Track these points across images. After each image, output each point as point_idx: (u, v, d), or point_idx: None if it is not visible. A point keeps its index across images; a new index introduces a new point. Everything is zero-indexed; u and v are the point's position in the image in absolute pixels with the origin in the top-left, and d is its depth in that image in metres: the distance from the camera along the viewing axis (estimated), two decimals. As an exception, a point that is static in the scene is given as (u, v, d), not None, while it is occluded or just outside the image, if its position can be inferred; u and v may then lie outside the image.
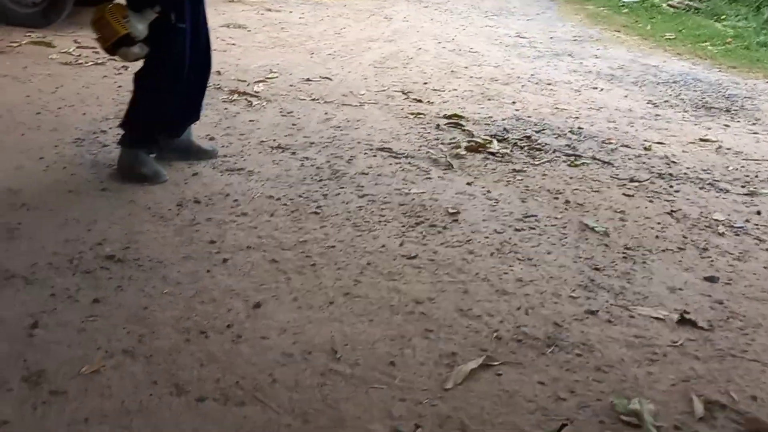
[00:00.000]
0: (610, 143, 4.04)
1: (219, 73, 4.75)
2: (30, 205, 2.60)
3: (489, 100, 4.80)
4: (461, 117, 4.25)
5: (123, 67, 4.61)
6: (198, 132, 3.52)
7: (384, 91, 4.79)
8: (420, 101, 4.58)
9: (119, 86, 4.22)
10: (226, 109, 4.00)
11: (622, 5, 11.36)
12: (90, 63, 4.69)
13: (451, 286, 2.32)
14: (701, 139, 4.30)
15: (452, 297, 2.26)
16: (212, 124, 3.72)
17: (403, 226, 2.72)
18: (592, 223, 2.91)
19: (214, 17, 6.84)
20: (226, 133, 3.60)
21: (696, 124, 4.65)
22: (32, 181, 2.81)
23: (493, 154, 3.64)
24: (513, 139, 3.93)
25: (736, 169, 3.80)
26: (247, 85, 4.57)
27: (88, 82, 4.24)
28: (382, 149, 3.56)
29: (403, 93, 4.76)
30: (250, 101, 4.20)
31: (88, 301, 2.05)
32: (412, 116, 4.21)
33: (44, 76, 4.27)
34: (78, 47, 5.06)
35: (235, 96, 4.28)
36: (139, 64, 2.93)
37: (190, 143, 3.19)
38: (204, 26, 3.05)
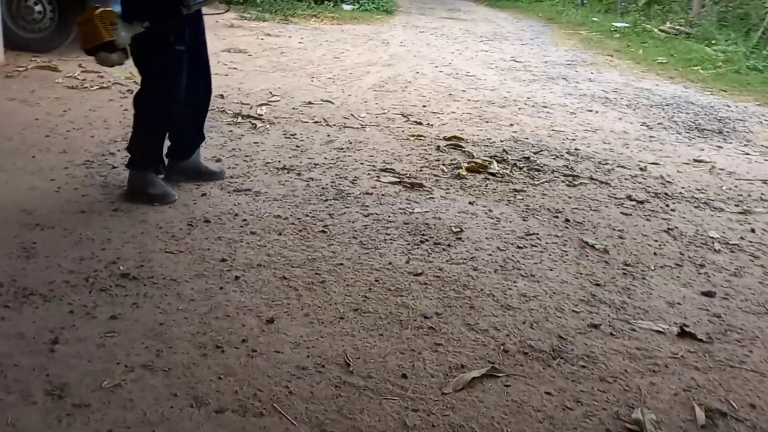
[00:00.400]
0: (607, 164, 4.14)
1: (222, 96, 4.86)
2: (44, 225, 2.66)
3: (487, 122, 4.90)
4: (461, 139, 4.35)
5: (129, 90, 4.71)
6: (204, 154, 3.60)
7: (384, 113, 4.89)
8: (420, 123, 4.68)
9: (125, 109, 4.30)
10: (231, 131, 4.09)
11: (614, 30, 11.59)
12: (95, 87, 4.78)
13: (458, 301, 2.39)
14: (695, 160, 4.41)
15: (459, 312, 2.32)
16: (218, 146, 3.80)
17: (409, 244, 2.79)
18: (592, 240, 2.99)
19: (214, 42, 6.99)
20: (232, 155, 3.68)
21: (689, 146, 4.76)
22: (45, 201, 2.88)
23: (493, 174, 3.73)
24: (512, 160, 4.02)
25: (730, 189, 3.89)
26: (251, 108, 4.66)
27: (94, 106, 4.32)
28: (384, 170, 3.64)
29: (403, 116, 4.87)
30: (254, 124, 4.29)
31: (106, 317, 2.10)
32: (412, 138, 4.31)
33: (52, 99, 4.35)
34: (83, 71, 5.16)
35: (239, 119, 4.37)
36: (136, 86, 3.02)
37: (198, 165, 3.26)
38: (204, 50, 3.13)
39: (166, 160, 3.14)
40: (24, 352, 1.91)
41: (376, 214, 3.06)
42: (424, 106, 5.23)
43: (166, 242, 2.63)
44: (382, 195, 3.30)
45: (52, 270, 2.34)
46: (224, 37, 7.35)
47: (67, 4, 5.48)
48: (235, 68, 5.94)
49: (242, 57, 6.54)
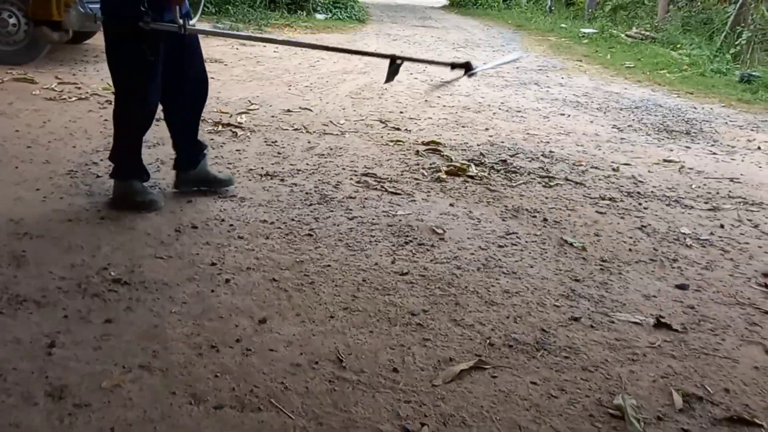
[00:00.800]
0: (581, 165, 4.26)
1: (202, 105, 4.88)
2: (33, 234, 2.68)
3: (463, 127, 5.01)
4: (439, 143, 4.45)
5: (107, 101, 4.73)
6: (187, 162, 3.64)
7: (362, 120, 4.97)
8: (398, 129, 4.77)
9: (105, 119, 4.32)
10: (212, 139, 4.13)
11: (582, 36, 11.85)
12: (74, 98, 4.79)
13: (443, 299, 2.47)
14: (665, 160, 4.56)
15: (445, 309, 2.40)
16: (200, 154, 3.83)
17: (393, 246, 2.87)
18: (570, 238, 3.09)
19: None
20: (215, 162, 3.72)
21: (659, 146, 4.92)
22: (32, 211, 2.89)
23: (471, 177, 3.83)
24: (489, 163, 4.13)
25: (699, 187, 4.04)
26: (230, 116, 4.71)
27: (74, 116, 4.33)
28: (366, 174, 3.72)
29: (381, 122, 4.95)
30: (234, 132, 4.33)
31: (101, 321, 2.14)
32: (391, 143, 4.39)
33: (31, 111, 4.35)
34: (60, 83, 5.17)
35: (220, 127, 4.42)
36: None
37: (207, 173, 3.27)
38: (194, 59, 3.11)
39: (178, 168, 3.15)
40: (22, 356, 1.93)
41: (360, 217, 3.13)
42: (401, 113, 5.33)
43: (155, 248, 2.66)
44: (365, 198, 3.37)
45: (44, 277, 2.37)
46: (199, 46, 7.36)
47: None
48: (212, 78, 5.88)
49: (218, 67, 6.57)
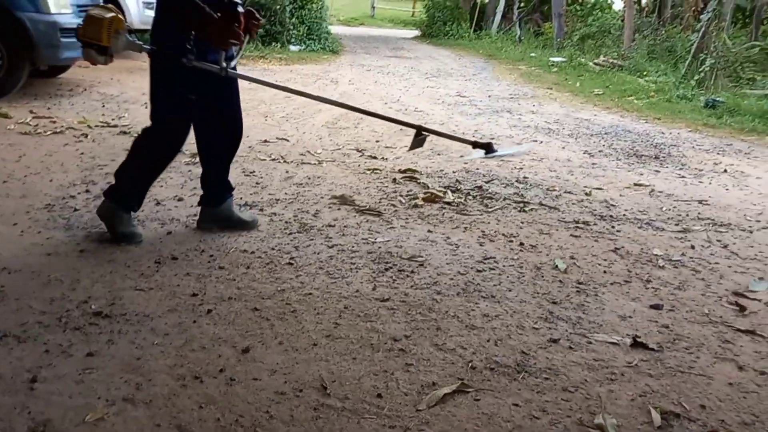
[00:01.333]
0: (554, 190, 4.35)
1: (178, 137, 4.90)
2: (11, 269, 2.66)
3: (438, 155, 5.09)
4: (415, 171, 4.52)
5: (83, 134, 4.73)
6: (165, 194, 3.67)
7: (339, 149, 5.03)
8: (375, 158, 4.83)
9: (81, 153, 4.32)
10: (189, 171, 4.14)
11: (552, 64, 12.12)
12: (49, 132, 4.77)
13: (425, 324, 2.50)
14: (635, 184, 4.68)
15: (427, 333, 2.43)
16: (178, 185, 3.85)
17: (374, 272, 2.90)
18: (560, 263, 3.15)
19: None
20: (193, 193, 3.73)
21: (629, 171, 5.05)
22: (9, 245, 2.87)
23: (448, 203, 3.89)
24: (465, 189, 4.20)
25: (669, 210, 4.15)
26: (208, 148, 4.71)
27: (50, 150, 4.31)
28: (345, 203, 3.75)
29: (358, 151, 5.01)
30: (212, 163, 4.34)
31: (82, 354, 2.13)
32: (369, 172, 4.45)
33: (5, 145, 4.33)
34: (34, 117, 5.15)
35: (197, 158, 4.41)
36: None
37: (231, 213, 3.26)
38: (232, 102, 3.10)
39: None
40: (3, 391, 1.92)
41: (340, 245, 3.16)
42: (377, 141, 5.40)
43: (135, 280, 2.66)
44: (345, 226, 3.40)
45: (24, 311, 2.35)
46: (175, 79, 7.39)
47: (17, 51, 5.47)
48: (188, 109, 5.99)
49: (194, 98, 6.59)
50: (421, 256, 3.11)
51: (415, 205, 3.82)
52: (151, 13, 9.54)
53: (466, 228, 3.54)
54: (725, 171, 5.29)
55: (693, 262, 3.33)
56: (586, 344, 2.45)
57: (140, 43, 2.88)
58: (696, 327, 2.66)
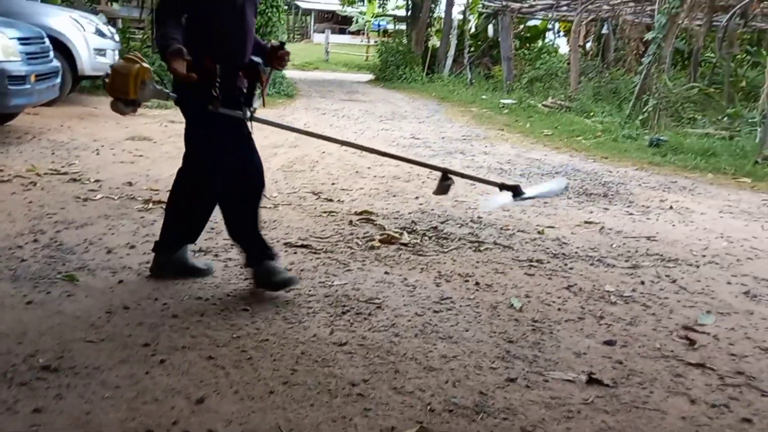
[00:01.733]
0: (508, 229, 4.43)
1: (131, 183, 4.86)
2: (-47, 323, 2.56)
3: (394, 196, 5.14)
4: (371, 213, 4.54)
5: (31, 183, 4.63)
6: (117, 241, 3.60)
7: (295, 192, 5.03)
8: (331, 200, 4.85)
9: (29, 201, 4.22)
10: (142, 217, 4.08)
11: (503, 106, 12.44)
12: (-5, 180, 4.65)
13: (383, 367, 2.49)
14: (586, 222, 4.79)
15: (385, 377, 2.42)
16: (130, 233, 3.79)
17: (331, 316, 2.88)
18: (516, 302, 3.18)
19: (116, 131, 6.99)
20: (146, 240, 3.67)
21: (580, 209, 5.17)
22: (-49, 298, 2.77)
23: (405, 244, 3.92)
24: (421, 230, 4.24)
25: (619, 246, 4.26)
26: (160, 194, 4.66)
27: (-4, 199, 4.20)
28: (301, 246, 3.74)
29: (314, 193, 5.03)
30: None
31: (28, 411, 2.05)
32: (325, 214, 4.45)
33: (-51, 195, 4.20)
34: (-20, 165, 5.01)
35: (150, 205, 4.37)
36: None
37: (186, 261, 3.23)
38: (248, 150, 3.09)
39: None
40: (-58, 454, 1.83)
41: (297, 288, 3.13)
42: (333, 184, 5.42)
43: (85, 331, 2.59)
44: (301, 270, 3.39)
45: (-34, 368, 2.26)
46: (127, 125, 7.32)
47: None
48: (141, 155, 5.94)
49: (147, 144, 6.53)
50: (379, 298, 3.11)
51: (372, 247, 3.83)
52: (103, 60, 9.46)
53: (422, 269, 3.56)
54: (671, 207, 5.47)
55: (643, 297, 3.41)
56: (542, 382, 2.47)
57: (167, 91, 2.90)
58: (648, 362, 2.71)
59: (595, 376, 2.52)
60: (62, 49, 7.97)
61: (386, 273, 3.44)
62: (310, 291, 3.13)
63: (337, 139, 3.47)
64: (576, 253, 4.05)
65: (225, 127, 2.90)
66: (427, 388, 2.36)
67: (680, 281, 3.69)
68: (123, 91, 2.78)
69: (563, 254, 4.00)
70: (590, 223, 4.78)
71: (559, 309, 3.17)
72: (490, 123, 10.62)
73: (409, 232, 4.16)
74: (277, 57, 3.05)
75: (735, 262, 4.12)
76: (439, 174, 3.06)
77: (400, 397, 2.29)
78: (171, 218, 3.18)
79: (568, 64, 14.41)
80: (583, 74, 13.86)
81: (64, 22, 8.22)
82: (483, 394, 2.35)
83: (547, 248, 4.09)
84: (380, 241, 3.93)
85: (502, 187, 3.16)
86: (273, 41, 3.10)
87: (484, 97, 14.21)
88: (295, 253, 3.64)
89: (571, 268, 3.75)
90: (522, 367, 2.57)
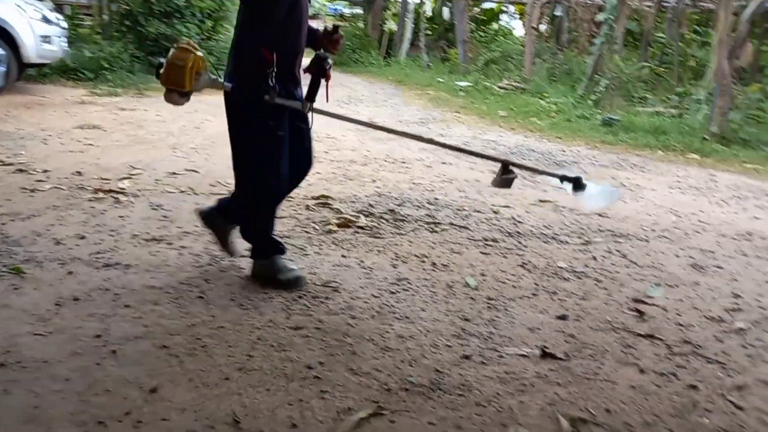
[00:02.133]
0: (464, 210, 4.46)
1: (80, 173, 4.74)
2: None
3: (351, 180, 5.13)
4: (328, 197, 4.52)
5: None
6: (66, 232, 3.51)
7: (250, 179, 4.96)
8: (286, 186, 4.80)
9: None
10: (92, 207, 3.99)
11: (459, 89, 12.48)
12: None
13: (340, 349, 2.49)
14: (540, 200, 4.86)
15: (342, 359, 2.42)
16: (80, 223, 3.70)
17: (287, 301, 2.87)
18: (458, 280, 3.22)
19: (65, 119, 6.80)
20: (96, 230, 3.60)
21: (534, 188, 5.24)
22: None
23: (362, 228, 3.92)
24: (378, 213, 4.24)
25: (572, 224, 4.33)
26: (111, 182, 4.57)
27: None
28: (256, 233, 3.71)
29: (269, 179, 4.96)
30: (116, 198, 4.21)
31: (-26, 408, 1.99)
32: (281, 200, 4.41)
33: None
34: None
35: (100, 194, 4.27)
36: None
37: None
38: (304, 134, 3.08)
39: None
40: None
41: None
42: (289, 169, 5.37)
43: (33, 324, 2.52)
44: (256, 256, 3.36)
45: None
46: (75, 113, 7.13)
47: None
48: (90, 144, 5.79)
49: (97, 133, 6.37)
50: (336, 282, 3.11)
51: (329, 231, 3.82)
52: (49, 47, 9.18)
53: (379, 251, 3.57)
54: (622, 185, 5.58)
55: (595, 272, 3.48)
56: (497, 358, 2.51)
57: (222, 81, 2.81)
58: (600, 334, 2.77)
59: (549, 350, 2.57)
60: (6, 36, 7.71)
61: (343, 256, 3.44)
62: (265, 276, 3.10)
63: (376, 125, 3.37)
64: (530, 231, 4.11)
65: (270, 124, 2.83)
66: (383, 368, 2.38)
67: (630, 256, 3.77)
68: (179, 83, 2.71)
69: (518, 233, 4.05)
70: (544, 201, 4.85)
71: (513, 286, 3.21)
72: (447, 105, 10.65)
73: (366, 216, 4.16)
74: (332, 41, 2.98)
75: (683, 235, 4.24)
76: (496, 165, 2.98)
77: (357, 378, 2.30)
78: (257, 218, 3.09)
79: (523, 46, 14.52)
80: (538, 56, 13.98)
81: (8, 8, 7.94)
82: (439, 371, 2.38)
83: (503, 227, 4.14)
84: (337, 225, 3.92)
85: (563, 178, 3.08)
86: (327, 25, 3.03)
87: (440, 80, 14.22)
88: (250, 239, 3.60)
89: (525, 246, 3.81)
90: (477, 344, 2.61)
